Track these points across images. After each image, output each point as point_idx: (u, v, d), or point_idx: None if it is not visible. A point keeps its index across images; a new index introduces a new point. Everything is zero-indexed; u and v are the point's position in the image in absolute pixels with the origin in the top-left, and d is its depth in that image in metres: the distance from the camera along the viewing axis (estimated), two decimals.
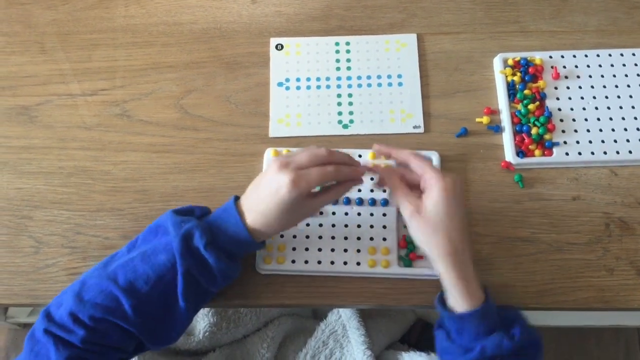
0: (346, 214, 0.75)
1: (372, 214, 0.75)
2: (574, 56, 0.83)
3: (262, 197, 0.63)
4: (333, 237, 0.74)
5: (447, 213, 0.63)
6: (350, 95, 0.83)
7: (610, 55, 0.83)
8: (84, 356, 0.59)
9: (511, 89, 0.81)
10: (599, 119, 0.79)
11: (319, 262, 0.73)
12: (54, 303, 0.62)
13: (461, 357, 0.63)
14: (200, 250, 0.62)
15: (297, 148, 0.78)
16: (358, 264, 0.73)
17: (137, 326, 0.61)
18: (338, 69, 0.85)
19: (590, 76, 0.82)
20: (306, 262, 0.73)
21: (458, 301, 0.63)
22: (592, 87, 0.81)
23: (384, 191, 0.76)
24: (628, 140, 0.78)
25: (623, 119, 0.79)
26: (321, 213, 0.75)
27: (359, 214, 0.75)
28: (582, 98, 0.80)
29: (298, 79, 0.84)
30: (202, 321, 0.94)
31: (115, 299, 0.60)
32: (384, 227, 0.74)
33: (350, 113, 0.82)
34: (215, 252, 0.62)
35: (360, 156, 0.78)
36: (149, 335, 0.62)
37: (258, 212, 0.63)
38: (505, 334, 0.62)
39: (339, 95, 0.83)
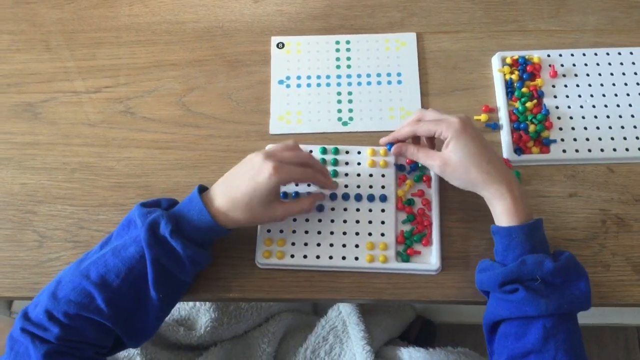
0: (345, 209, 0.76)
1: (370, 210, 0.76)
2: (572, 55, 0.84)
3: (238, 182, 0.66)
4: (332, 233, 0.75)
5: (468, 152, 0.66)
6: (350, 93, 0.84)
7: (607, 54, 0.84)
8: (62, 350, 0.60)
9: (509, 87, 0.82)
10: (596, 117, 0.80)
11: (318, 257, 0.73)
12: (32, 303, 0.64)
13: (498, 271, 0.63)
14: (167, 238, 0.63)
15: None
16: (356, 259, 0.73)
17: (112, 319, 0.62)
18: (338, 67, 0.86)
19: (587, 75, 0.82)
20: (305, 256, 0.73)
21: (507, 219, 0.65)
22: (590, 85, 0.82)
23: (383, 187, 0.77)
24: (625, 138, 0.78)
25: (620, 117, 0.80)
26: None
27: (357, 209, 0.76)
28: (579, 96, 0.81)
29: (299, 77, 0.85)
30: (204, 316, 0.95)
31: (88, 294, 0.61)
32: (382, 222, 0.75)
33: (350, 110, 0.83)
34: (181, 239, 0.64)
35: (359, 153, 0.79)
36: (124, 328, 0.64)
37: (229, 197, 0.66)
38: (550, 255, 0.63)
39: (339, 93, 0.84)
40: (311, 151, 0.79)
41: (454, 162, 0.67)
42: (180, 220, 0.65)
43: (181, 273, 0.66)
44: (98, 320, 0.61)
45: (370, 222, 0.75)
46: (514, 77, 0.82)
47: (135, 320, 0.64)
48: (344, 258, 0.74)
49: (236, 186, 0.66)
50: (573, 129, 0.79)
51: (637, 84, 0.82)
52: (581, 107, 0.80)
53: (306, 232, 0.75)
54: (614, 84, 0.82)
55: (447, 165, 0.68)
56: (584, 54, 0.84)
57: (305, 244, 0.74)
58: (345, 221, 0.75)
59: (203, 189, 0.69)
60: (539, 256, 0.62)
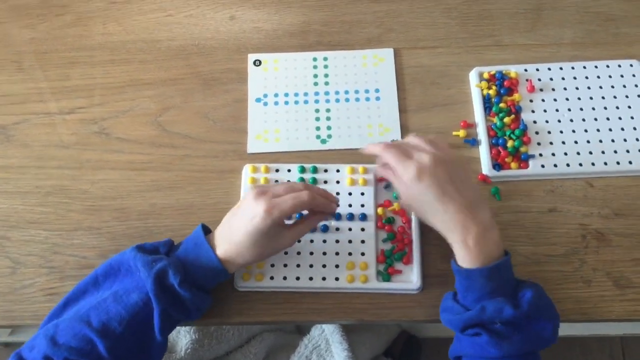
0: (324, 229, 0.75)
1: (350, 229, 0.75)
2: (549, 69, 0.84)
3: (237, 226, 0.64)
4: (312, 253, 0.74)
5: (423, 200, 0.64)
6: (328, 110, 0.83)
7: (584, 67, 0.84)
8: None
9: (487, 102, 0.82)
10: (574, 131, 0.80)
11: (298, 278, 0.72)
12: (26, 347, 0.62)
13: (459, 316, 0.63)
14: (175, 288, 0.62)
15: (276, 165, 0.78)
16: (337, 279, 0.73)
17: None
18: (316, 84, 0.85)
19: (565, 89, 0.82)
20: (284, 278, 0.72)
21: (464, 264, 0.64)
22: (567, 99, 0.82)
23: (362, 206, 0.76)
24: (603, 152, 0.78)
25: (598, 130, 0.80)
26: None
27: (337, 228, 0.75)
28: (557, 110, 0.81)
29: (276, 95, 0.85)
30: (184, 338, 0.94)
31: (90, 341, 0.60)
32: (362, 241, 0.74)
33: (329, 128, 0.82)
34: (189, 289, 0.63)
35: (338, 171, 0.78)
36: None
37: (232, 242, 0.64)
38: (511, 300, 0.62)
39: (317, 110, 0.83)
40: (289, 170, 0.78)
41: (413, 206, 0.68)
42: (188, 268, 0.64)
43: (185, 317, 0.65)
44: None
45: (350, 241, 0.74)
46: (491, 92, 0.82)
47: None
48: (324, 279, 0.73)
49: (236, 229, 0.64)
50: (551, 143, 0.79)
51: (614, 97, 0.82)
52: (559, 121, 0.80)
53: (285, 252, 0.74)
54: (591, 98, 0.82)
55: (409, 206, 0.69)
56: (561, 68, 0.84)
57: (285, 265, 0.73)
58: (324, 241, 0.75)
59: (205, 230, 0.67)
60: (498, 302, 0.61)
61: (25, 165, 0.80)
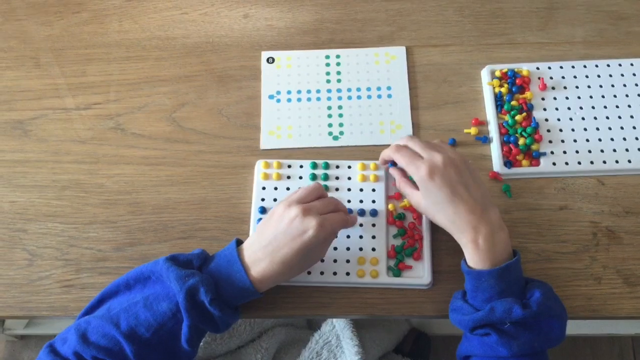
0: None
1: (361, 225, 0.75)
2: (561, 67, 0.84)
3: (282, 244, 0.64)
4: None
5: (434, 199, 0.66)
6: (340, 107, 0.84)
7: (596, 66, 0.84)
8: None
9: (499, 100, 0.82)
10: (585, 129, 0.80)
11: (309, 273, 0.73)
12: (58, 338, 0.63)
13: (468, 316, 0.63)
14: (206, 305, 0.62)
15: (288, 161, 0.79)
16: (347, 274, 0.73)
17: None
18: (328, 81, 0.86)
19: (577, 87, 0.83)
20: None
21: (474, 265, 0.65)
22: (579, 97, 0.82)
23: (373, 201, 0.77)
24: (615, 150, 0.78)
25: (610, 129, 0.80)
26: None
27: None
28: (569, 109, 0.81)
29: (289, 92, 0.85)
30: None
31: (117, 342, 0.61)
32: (373, 237, 0.75)
33: (341, 125, 0.83)
34: (220, 307, 0.63)
35: (349, 167, 0.79)
36: None
37: (274, 261, 0.64)
38: (520, 300, 0.62)
39: (329, 108, 0.84)
40: (301, 166, 0.79)
41: (423, 205, 0.69)
42: (220, 287, 0.64)
43: (213, 331, 0.65)
44: None
45: (361, 236, 0.75)
46: (503, 90, 0.82)
47: None
48: (335, 273, 0.73)
49: (280, 248, 0.63)
50: (563, 141, 0.79)
51: (626, 95, 0.82)
52: (570, 119, 0.81)
53: None
54: (603, 96, 0.82)
55: (419, 206, 0.70)
56: (572, 67, 0.84)
57: None
58: (336, 236, 0.75)
59: (239, 242, 0.67)
60: (507, 303, 0.61)
61: (43, 160, 0.82)
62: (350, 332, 0.94)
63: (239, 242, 0.67)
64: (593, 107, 0.81)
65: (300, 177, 0.79)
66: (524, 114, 0.80)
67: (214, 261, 0.66)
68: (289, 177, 0.79)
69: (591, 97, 0.82)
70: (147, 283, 0.65)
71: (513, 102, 0.81)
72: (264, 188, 0.79)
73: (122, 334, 0.61)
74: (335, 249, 0.74)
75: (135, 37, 0.90)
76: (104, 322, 0.62)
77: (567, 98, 0.82)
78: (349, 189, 0.78)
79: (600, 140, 0.79)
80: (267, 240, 0.64)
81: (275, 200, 0.78)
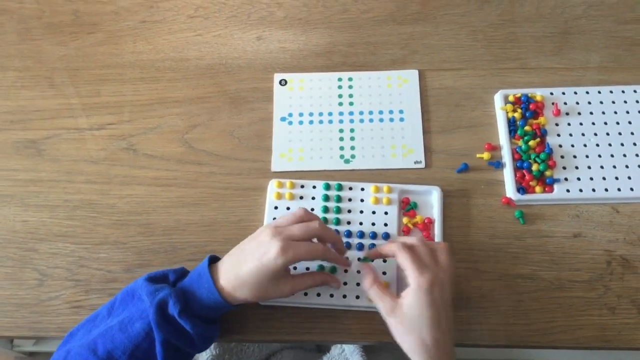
0: (347, 246, 0.75)
1: (372, 246, 0.75)
2: (575, 93, 0.83)
3: (245, 259, 0.63)
4: (333, 270, 0.74)
5: (420, 313, 0.62)
6: (352, 131, 0.84)
7: (611, 92, 0.83)
8: None
9: (512, 125, 0.81)
10: (600, 156, 0.79)
11: (318, 295, 0.73)
12: None
13: None
14: (176, 318, 0.62)
15: (301, 181, 0.79)
16: (357, 297, 0.73)
17: None
18: (340, 104, 0.86)
19: (591, 113, 0.82)
20: (305, 294, 0.73)
21: None
22: (593, 123, 0.81)
23: (385, 225, 0.76)
24: (629, 178, 0.77)
25: (624, 155, 0.79)
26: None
27: (359, 247, 0.75)
28: (583, 135, 0.81)
29: (301, 114, 0.85)
30: (205, 353, 0.94)
31: None
32: (384, 260, 0.74)
33: (352, 148, 0.83)
34: (190, 319, 0.62)
35: (362, 189, 0.79)
36: None
37: (237, 276, 0.63)
38: None
39: (341, 130, 0.84)
40: (314, 187, 0.79)
41: (403, 313, 0.63)
42: (189, 298, 0.64)
43: (191, 349, 0.65)
44: None
45: (372, 260, 0.74)
46: (516, 115, 0.81)
47: None
48: (344, 296, 0.73)
49: (243, 263, 0.63)
50: (577, 168, 0.78)
51: None
52: (585, 145, 0.80)
53: (307, 268, 0.74)
54: (617, 123, 0.81)
55: (393, 313, 0.63)
56: (587, 92, 0.83)
57: None
58: (346, 258, 0.75)
59: (214, 259, 0.67)
60: None
61: (55, 179, 0.82)
62: (359, 356, 0.93)
63: (214, 258, 0.67)
64: (607, 134, 0.80)
65: (313, 198, 0.79)
66: (538, 139, 0.80)
67: (188, 276, 0.67)
68: (301, 198, 0.79)
69: (606, 123, 0.81)
70: (128, 305, 0.65)
71: (526, 128, 0.80)
72: (276, 208, 0.78)
73: (100, 359, 0.61)
74: (345, 271, 0.74)
75: (149, 58, 0.91)
76: (82, 350, 0.62)
77: (581, 124, 0.81)
78: (361, 211, 0.78)
79: (614, 167, 0.78)
80: (237, 254, 0.65)
81: None
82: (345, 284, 0.73)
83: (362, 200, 0.78)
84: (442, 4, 0.93)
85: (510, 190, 0.78)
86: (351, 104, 0.86)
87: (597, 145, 0.80)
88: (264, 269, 0.62)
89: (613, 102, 0.83)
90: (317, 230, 0.66)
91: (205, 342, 0.65)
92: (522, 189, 0.78)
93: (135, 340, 0.62)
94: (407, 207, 0.78)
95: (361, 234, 0.76)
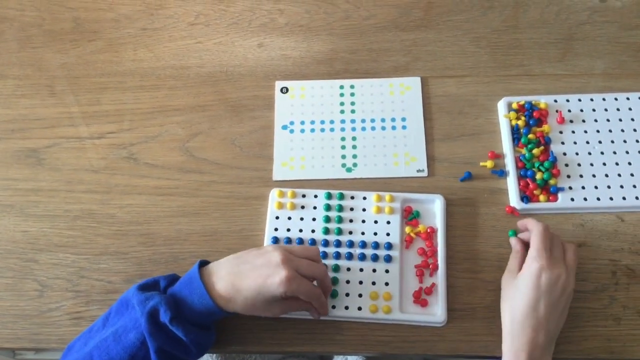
0: (349, 256, 0.74)
1: (375, 258, 0.74)
2: (580, 100, 0.83)
3: (247, 274, 0.63)
4: (335, 281, 0.73)
5: (520, 290, 0.65)
6: (354, 139, 0.83)
7: (616, 99, 0.82)
8: None
9: (515, 133, 0.81)
10: (604, 164, 0.78)
11: None
12: None
13: None
14: (168, 326, 0.62)
15: (303, 190, 0.78)
16: (359, 308, 0.72)
17: None
18: (342, 112, 0.85)
19: (595, 120, 0.81)
20: None
21: None
22: (598, 131, 0.80)
23: (388, 234, 0.76)
24: (635, 186, 0.77)
25: (630, 164, 0.78)
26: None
27: (361, 257, 0.74)
28: (587, 143, 0.80)
29: (302, 122, 0.85)
30: None
31: None
32: (387, 271, 0.74)
33: (354, 156, 0.82)
34: (182, 325, 0.62)
35: (364, 198, 0.78)
36: None
37: (232, 284, 0.63)
38: None
39: (343, 139, 0.83)
40: (316, 196, 0.78)
41: (507, 280, 0.68)
42: (181, 305, 0.63)
43: (187, 356, 0.64)
44: None
45: (374, 270, 0.74)
46: (520, 123, 0.81)
47: None
48: (346, 308, 0.72)
49: (244, 277, 0.63)
50: (581, 176, 0.78)
51: None
52: (589, 153, 0.79)
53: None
54: (622, 130, 0.80)
55: (508, 282, 0.68)
56: (591, 99, 0.83)
57: None
58: (348, 269, 0.74)
59: (203, 263, 0.67)
60: None
61: (55, 189, 0.82)
62: None
63: (204, 262, 0.67)
64: (612, 141, 0.80)
65: (315, 207, 0.78)
66: (542, 147, 0.79)
67: (178, 281, 0.66)
68: (303, 207, 0.78)
69: (610, 130, 0.80)
70: (122, 315, 0.64)
71: (530, 136, 0.80)
72: (277, 217, 0.78)
73: None
74: (347, 282, 0.73)
75: (149, 66, 0.90)
76: None
77: (585, 132, 0.80)
78: (363, 221, 0.77)
79: (619, 175, 0.77)
80: (237, 263, 0.65)
81: (288, 230, 0.77)
82: (347, 295, 0.73)
83: (364, 210, 0.78)
84: (445, 11, 0.92)
85: (513, 199, 0.77)
86: (353, 111, 0.85)
87: (602, 153, 0.79)
88: (264, 290, 0.62)
89: (618, 109, 0.82)
90: (321, 275, 0.67)
91: (200, 348, 0.65)
92: (525, 197, 0.77)
93: (130, 350, 0.61)
94: (410, 216, 0.77)
95: (363, 244, 0.75)
